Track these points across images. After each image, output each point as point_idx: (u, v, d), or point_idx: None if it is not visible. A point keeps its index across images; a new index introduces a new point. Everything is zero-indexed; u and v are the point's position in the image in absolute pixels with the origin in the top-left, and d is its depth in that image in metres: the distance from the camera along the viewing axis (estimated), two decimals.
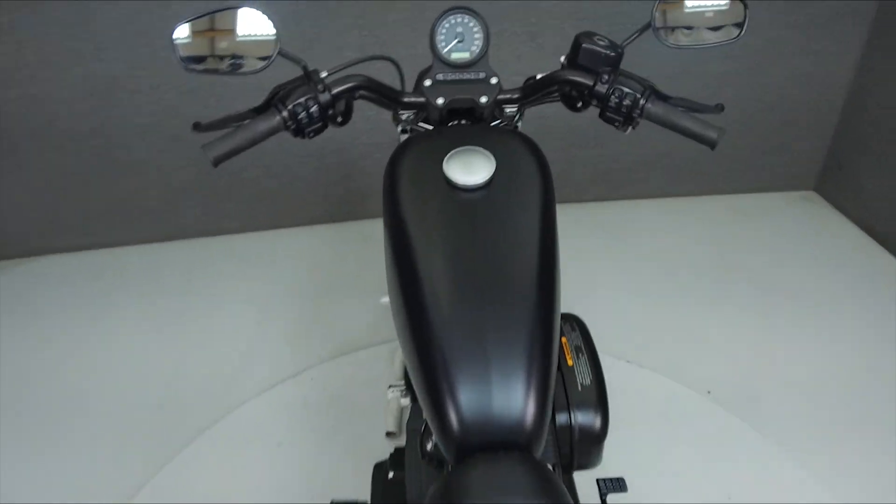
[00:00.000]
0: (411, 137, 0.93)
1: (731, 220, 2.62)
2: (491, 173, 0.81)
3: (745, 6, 0.89)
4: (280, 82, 0.92)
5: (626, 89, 0.90)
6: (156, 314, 2.18)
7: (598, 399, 0.92)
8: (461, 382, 0.66)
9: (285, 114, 0.86)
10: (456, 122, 1.00)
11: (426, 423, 0.94)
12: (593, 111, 1.00)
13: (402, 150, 0.91)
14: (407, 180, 0.86)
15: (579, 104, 1.00)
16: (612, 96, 0.90)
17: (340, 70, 0.98)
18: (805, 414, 1.74)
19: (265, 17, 0.84)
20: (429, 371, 0.69)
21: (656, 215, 2.66)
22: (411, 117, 1.02)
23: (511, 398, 0.66)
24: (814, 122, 2.60)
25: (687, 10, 0.91)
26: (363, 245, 2.51)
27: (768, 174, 2.73)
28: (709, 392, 1.82)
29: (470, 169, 0.81)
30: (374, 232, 2.56)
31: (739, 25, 0.90)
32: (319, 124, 0.90)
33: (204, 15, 0.83)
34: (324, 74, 0.92)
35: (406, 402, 1.66)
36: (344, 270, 2.36)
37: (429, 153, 0.88)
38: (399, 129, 1.04)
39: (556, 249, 0.79)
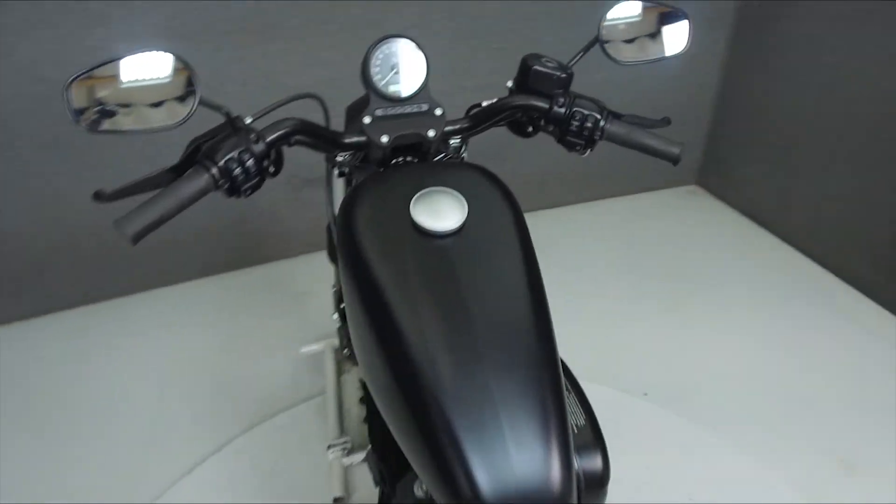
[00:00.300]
0: (364, 182, 0.83)
1: (628, 220, 2.72)
2: (464, 216, 0.73)
3: (689, 20, 0.88)
4: (195, 133, 0.78)
5: (586, 111, 0.86)
6: (27, 411, 1.85)
7: (596, 438, 0.86)
8: (475, 449, 0.59)
9: (215, 171, 0.72)
10: (401, 160, 0.91)
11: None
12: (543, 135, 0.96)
13: (355, 196, 0.81)
14: (368, 230, 0.76)
15: (529, 129, 0.95)
16: (573, 120, 0.86)
17: (264, 114, 0.85)
18: (739, 402, 1.80)
19: (182, 61, 0.70)
20: (431, 440, 0.62)
21: (557, 224, 2.70)
22: (348, 158, 0.91)
23: (535, 459, 0.60)
24: (690, 121, 2.77)
25: (632, 26, 0.89)
26: (267, 292, 2.31)
27: (654, 174, 2.87)
28: (645, 394, 1.84)
29: (440, 213, 0.73)
30: (276, 276, 2.37)
31: (683, 39, 0.90)
32: (257, 179, 0.77)
33: (106, 63, 0.68)
34: (248, 121, 0.80)
35: (351, 460, 1.52)
36: (249, 322, 2.15)
37: (388, 198, 0.79)
38: (336, 171, 0.92)
39: (543, 288, 0.74)
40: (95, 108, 0.68)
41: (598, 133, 0.87)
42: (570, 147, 0.90)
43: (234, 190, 0.75)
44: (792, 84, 2.34)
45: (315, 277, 2.34)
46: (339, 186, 1.03)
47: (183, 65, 0.71)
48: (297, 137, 0.82)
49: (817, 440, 1.67)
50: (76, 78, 0.67)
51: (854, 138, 2.12)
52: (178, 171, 0.78)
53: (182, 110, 0.71)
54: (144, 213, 0.69)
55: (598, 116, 0.86)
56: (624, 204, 2.83)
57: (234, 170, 0.73)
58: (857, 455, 1.63)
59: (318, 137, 0.85)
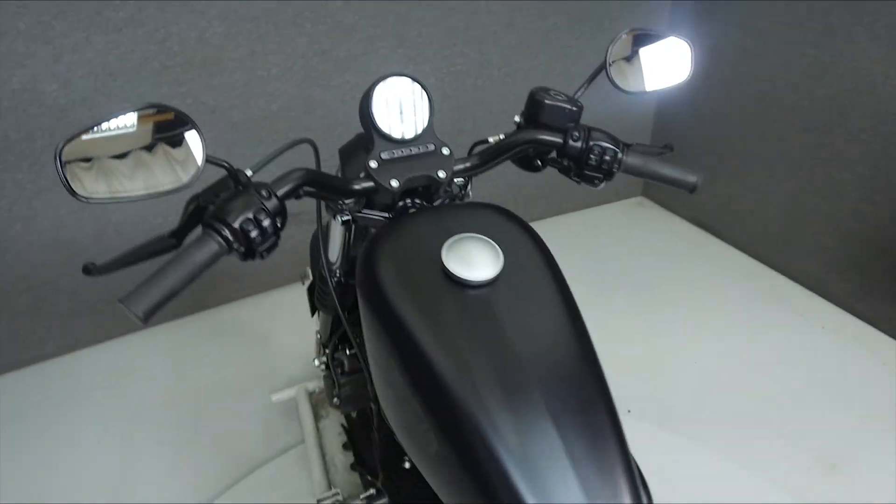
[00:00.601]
0: (383, 230, 0.77)
1: (582, 233, 2.76)
2: (500, 265, 0.69)
3: (691, 48, 0.89)
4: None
5: (605, 144, 0.84)
6: None
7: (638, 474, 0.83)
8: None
9: (228, 234, 0.65)
10: (409, 202, 0.86)
11: None
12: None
13: (377, 245, 0.75)
14: (397, 280, 0.71)
15: (537, 163, 0.92)
16: (591, 154, 0.84)
17: (263, 165, 0.79)
18: (713, 408, 1.84)
19: (183, 116, 0.63)
20: (496, 495, 0.58)
21: None
22: (352, 204, 0.86)
23: None
24: (632, 132, 2.85)
25: (637, 56, 0.88)
26: (224, 336, 2.17)
27: (604, 191, 2.93)
28: (629, 411, 1.84)
29: (475, 262, 0.69)
30: (231, 319, 2.24)
31: (686, 66, 0.90)
32: (273, 239, 0.70)
33: (99, 123, 0.59)
34: (249, 174, 0.73)
35: None
36: (210, 370, 2.01)
37: (415, 246, 0.74)
38: (340, 219, 0.86)
39: (585, 326, 0.71)
40: (91, 176, 0.60)
41: (617, 165, 0.85)
42: (588, 181, 0.88)
43: (249, 253, 0.68)
44: (727, 90, 2.45)
45: (272, 318, 2.24)
46: (338, 234, 0.96)
47: (184, 120, 0.64)
48: (306, 188, 0.76)
49: (791, 437, 1.72)
50: (67, 142, 0.58)
51: (793, 141, 2.24)
52: (179, 236, 0.71)
53: (186, 170, 0.64)
54: (153, 287, 0.62)
55: (616, 149, 0.85)
56: (574, 219, 2.87)
57: (250, 231, 0.66)
58: (827, 448, 1.69)
59: (326, 186, 0.79)
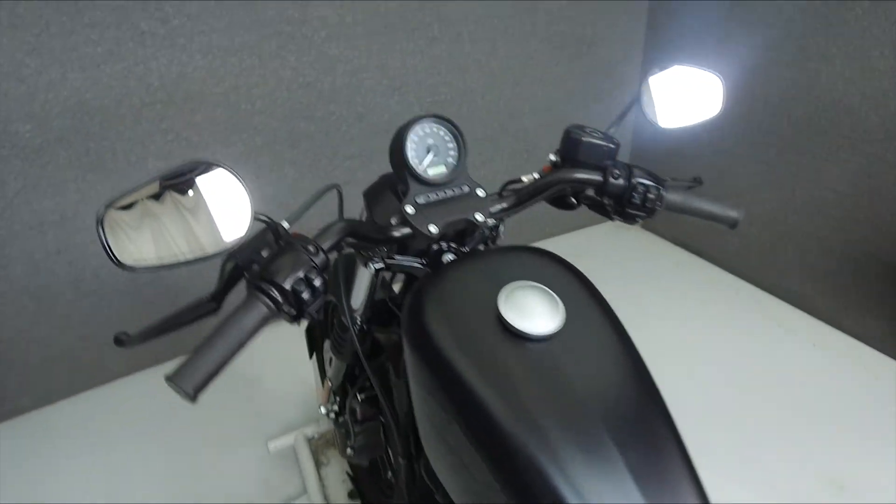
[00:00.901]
0: (430, 279, 0.74)
1: (568, 257, 2.75)
2: (562, 316, 0.66)
3: (722, 82, 0.88)
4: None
5: (647, 181, 0.82)
6: None
7: None
8: None
9: (277, 296, 0.60)
10: (444, 246, 0.83)
11: None
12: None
13: (424, 294, 0.72)
14: (450, 334, 0.67)
15: (572, 201, 0.90)
16: (634, 192, 0.82)
17: (299, 216, 0.74)
18: (722, 432, 1.83)
19: (230, 171, 0.58)
20: None
21: None
22: (384, 251, 0.82)
23: None
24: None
25: (669, 90, 0.87)
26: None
27: (582, 210, 2.95)
28: None
29: (535, 313, 0.66)
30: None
31: (718, 100, 0.89)
32: (322, 298, 0.65)
33: (142, 185, 0.54)
34: (286, 225, 0.69)
35: None
36: (200, 418, 1.91)
37: (465, 296, 0.71)
38: (372, 267, 0.82)
39: (648, 370, 0.70)
40: (135, 242, 0.54)
41: (659, 203, 0.84)
42: (628, 218, 0.86)
43: (299, 315, 0.64)
44: None
45: (262, 359, 2.14)
46: (364, 281, 0.92)
47: (231, 175, 0.59)
48: (348, 240, 0.72)
49: (792, 455, 1.73)
50: (108, 207, 0.53)
51: (772, 161, 2.29)
52: (219, 299, 0.65)
53: (233, 230, 0.59)
54: (202, 360, 0.57)
55: (659, 186, 0.83)
56: (567, 241, 2.87)
57: (302, 292, 0.62)
58: (829, 465, 1.70)
59: (366, 236, 0.75)
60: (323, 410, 1.37)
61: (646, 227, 2.95)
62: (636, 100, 0.88)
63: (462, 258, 0.81)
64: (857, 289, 2.12)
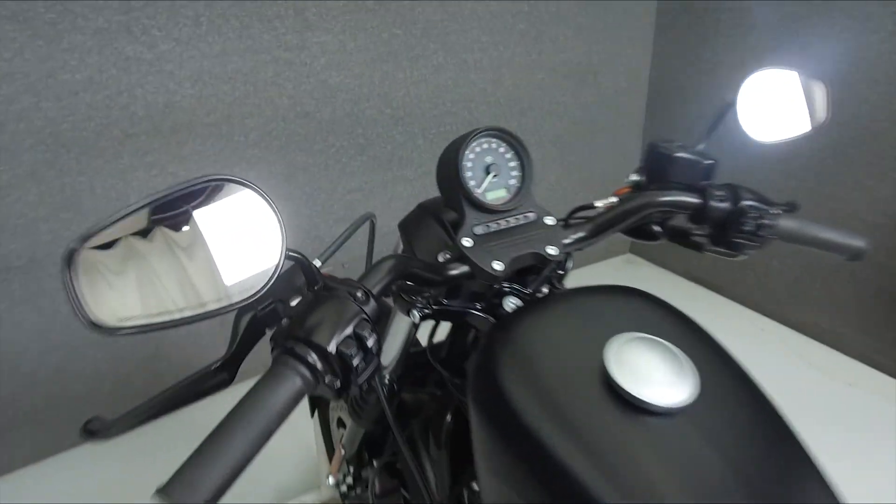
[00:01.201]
0: (502, 332, 0.58)
1: None
2: (696, 379, 0.50)
3: (827, 88, 0.75)
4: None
5: (757, 204, 0.68)
6: None
7: None
8: None
9: (316, 360, 0.44)
10: (505, 288, 0.67)
11: None
12: None
13: (497, 350, 0.56)
14: (539, 403, 0.51)
15: (656, 229, 0.75)
16: (746, 216, 0.67)
17: (332, 254, 0.58)
18: None
19: (257, 194, 0.42)
20: None
21: None
22: (431, 295, 0.66)
23: None
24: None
25: (765, 98, 0.73)
26: (192, 441, 1.85)
27: (590, 248, 2.82)
28: None
29: (657, 375, 0.50)
30: (204, 418, 1.92)
31: (822, 108, 0.76)
32: (376, 361, 0.49)
33: (126, 212, 0.38)
34: (318, 264, 0.52)
35: None
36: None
37: (553, 352, 0.55)
38: (417, 315, 0.65)
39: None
40: (116, 294, 0.37)
41: (770, 230, 0.69)
42: (732, 249, 0.71)
43: (345, 386, 0.47)
44: (720, 137, 2.40)
45: None
46: (401, 332, 0.75)
47: (258, 197, 0.43)
48: (398, 282, 0.56)
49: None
50: (82, 244, 0.36)
51: (794, 190, 2.18)
52: (232, 368, 0.49)
53: (255, 273, 0.43)
54: (208, 467, 0.40)
55: (771, 210, 0.68)
56: (567, 279, 2.72)
57: (352, 356, 0.45)
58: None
59: (418, 276, 0.59)
60: (331, 481, 1.18)
61: (656, 262, 2.83)
62: (730, 106, 0.74)
63: (541, 302, 0.65)
64: (892, 323, 1.99)
